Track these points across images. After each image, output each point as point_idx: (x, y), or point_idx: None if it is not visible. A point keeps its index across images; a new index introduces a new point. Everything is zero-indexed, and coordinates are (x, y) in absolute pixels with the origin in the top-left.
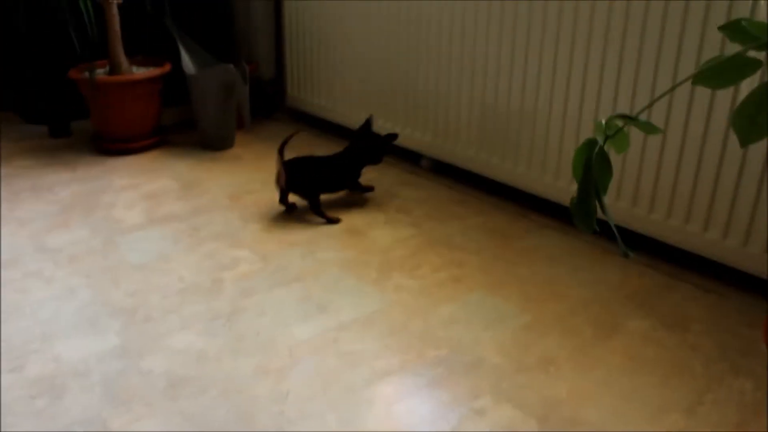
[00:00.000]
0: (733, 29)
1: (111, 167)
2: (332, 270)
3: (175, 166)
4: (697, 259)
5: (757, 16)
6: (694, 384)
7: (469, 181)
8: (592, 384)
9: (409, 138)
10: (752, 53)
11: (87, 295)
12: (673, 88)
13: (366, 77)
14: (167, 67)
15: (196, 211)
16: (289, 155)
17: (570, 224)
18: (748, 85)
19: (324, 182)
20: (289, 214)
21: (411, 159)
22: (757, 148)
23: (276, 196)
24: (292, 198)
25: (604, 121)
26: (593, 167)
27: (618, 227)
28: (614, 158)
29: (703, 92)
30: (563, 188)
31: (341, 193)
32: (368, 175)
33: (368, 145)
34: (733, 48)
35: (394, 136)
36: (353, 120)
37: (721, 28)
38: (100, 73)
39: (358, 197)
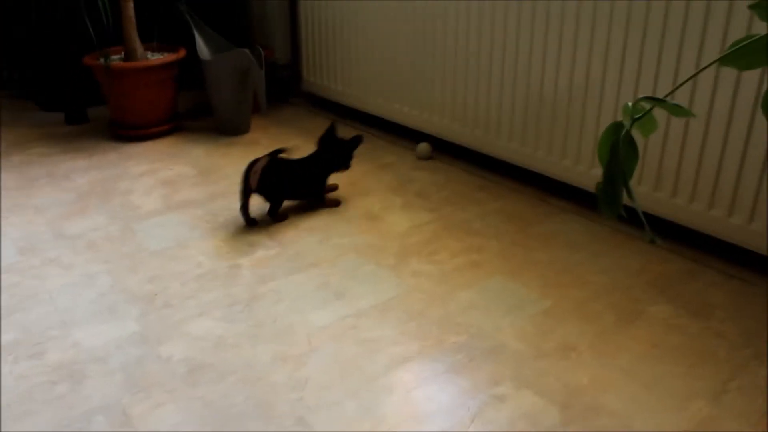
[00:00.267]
0: (764, 7)
1: (127, 153)
2: (349, 256)
3: (191, 152)
4: (720, 245)
5: None
6: (719, 371)
7: (485, 165)
8: (615, 371)
9: (426, 122)
10: None
11: (106, 281)
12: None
13: (382, 61)
14: (182, 53)
15: (213, 197)
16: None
17: (590, 209)
18: None
19: (292, 188)
20: (251, 228)
21: (428, 143)
22: None
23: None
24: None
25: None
26: (620, 151)
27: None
28: (636, 141)
29: (728, 73)
30: (583, 172)
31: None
32: (386, 159)
33: (335, 151)
34: (761, 27)
35: (359, 138)
36: (370, 104)
37: (751, 7)
38: (115, 59)
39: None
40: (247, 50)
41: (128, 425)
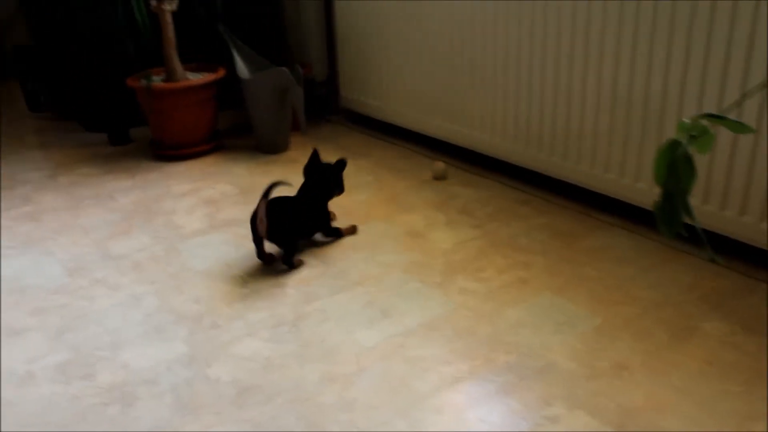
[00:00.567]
0: None
1: (169, 173)
2: (394, 273)
3: (232, 171)
4: None
5: None
6: None
7: (526, 180)
8: (670, 390)
9: (466, 137)
10: None
11: (152, 302)
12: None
13: (420, 75)
14: (221, 73)
15: None
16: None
17: (635, 222)
18: None
19: (301, 225)
20: (269, 265)
21: (470, 160)
22: None
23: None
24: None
25: (689, 121)
26: (678, 170)
27: (692, 226)
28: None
29: None
30: (629, 185)
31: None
32: (427, 175)
33: (326, 177)
34: None
35: (343, 161)
36: (408, 120)
37: None
38: (156, 80)
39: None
40: (285, 69)
41: None
